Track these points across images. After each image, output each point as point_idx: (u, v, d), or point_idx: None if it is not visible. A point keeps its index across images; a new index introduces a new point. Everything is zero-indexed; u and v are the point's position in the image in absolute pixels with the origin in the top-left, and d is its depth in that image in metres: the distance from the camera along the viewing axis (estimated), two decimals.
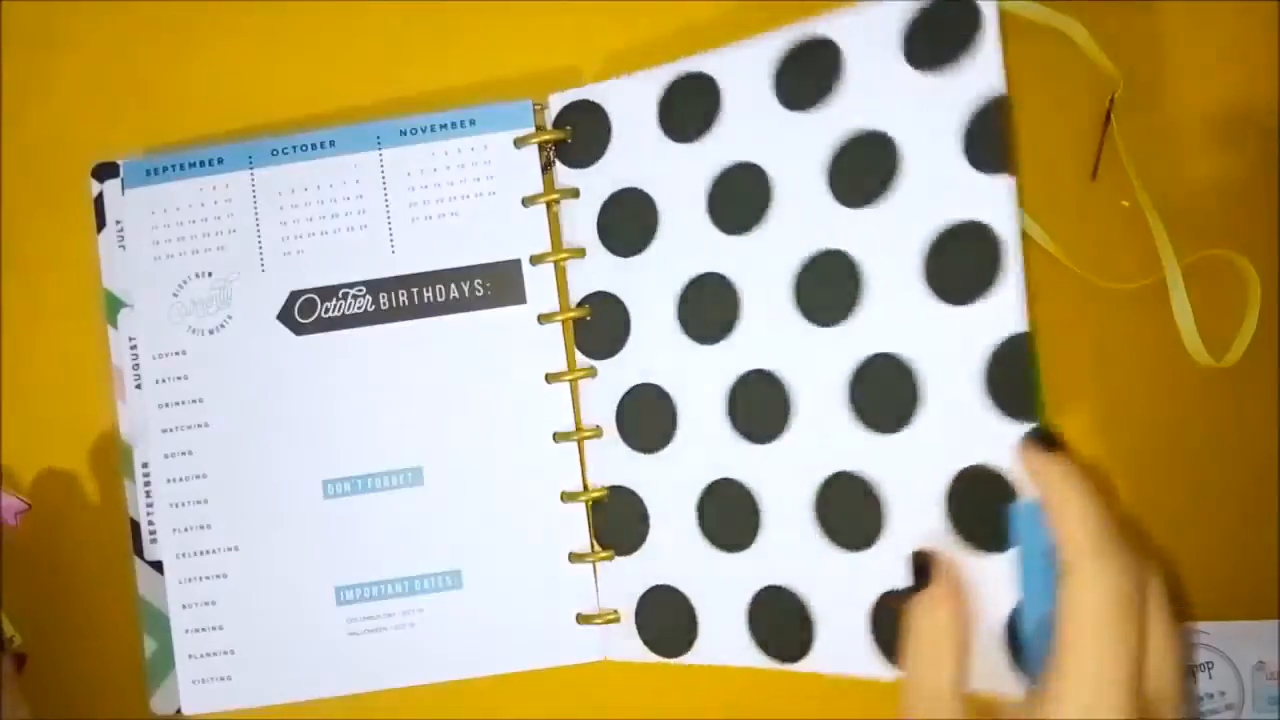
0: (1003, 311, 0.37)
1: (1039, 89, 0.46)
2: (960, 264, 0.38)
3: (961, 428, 0.38)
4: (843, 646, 0.41)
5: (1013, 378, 0.37)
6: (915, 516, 0.39)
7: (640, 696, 0.46)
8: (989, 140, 0.37)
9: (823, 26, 0.41)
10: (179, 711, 0.45)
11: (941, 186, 0.38)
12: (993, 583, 0.36)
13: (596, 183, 0.46)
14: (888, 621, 0.39)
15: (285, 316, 0.46)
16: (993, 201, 0.37)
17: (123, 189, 0.46)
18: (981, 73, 0.37)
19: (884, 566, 0.39)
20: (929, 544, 0.38)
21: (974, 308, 0.37)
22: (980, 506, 0.37)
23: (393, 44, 0.48)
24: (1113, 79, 0.46)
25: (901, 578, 0.38)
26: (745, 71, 0.42)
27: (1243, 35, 0.47)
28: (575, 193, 0.46)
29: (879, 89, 0.39)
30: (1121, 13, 0.47)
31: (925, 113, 0.38)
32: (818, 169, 0.41)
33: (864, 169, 0.40)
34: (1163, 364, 0.46)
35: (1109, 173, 0.46)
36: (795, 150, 0.41)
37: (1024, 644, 0.35)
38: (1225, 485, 0.45)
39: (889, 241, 0.39)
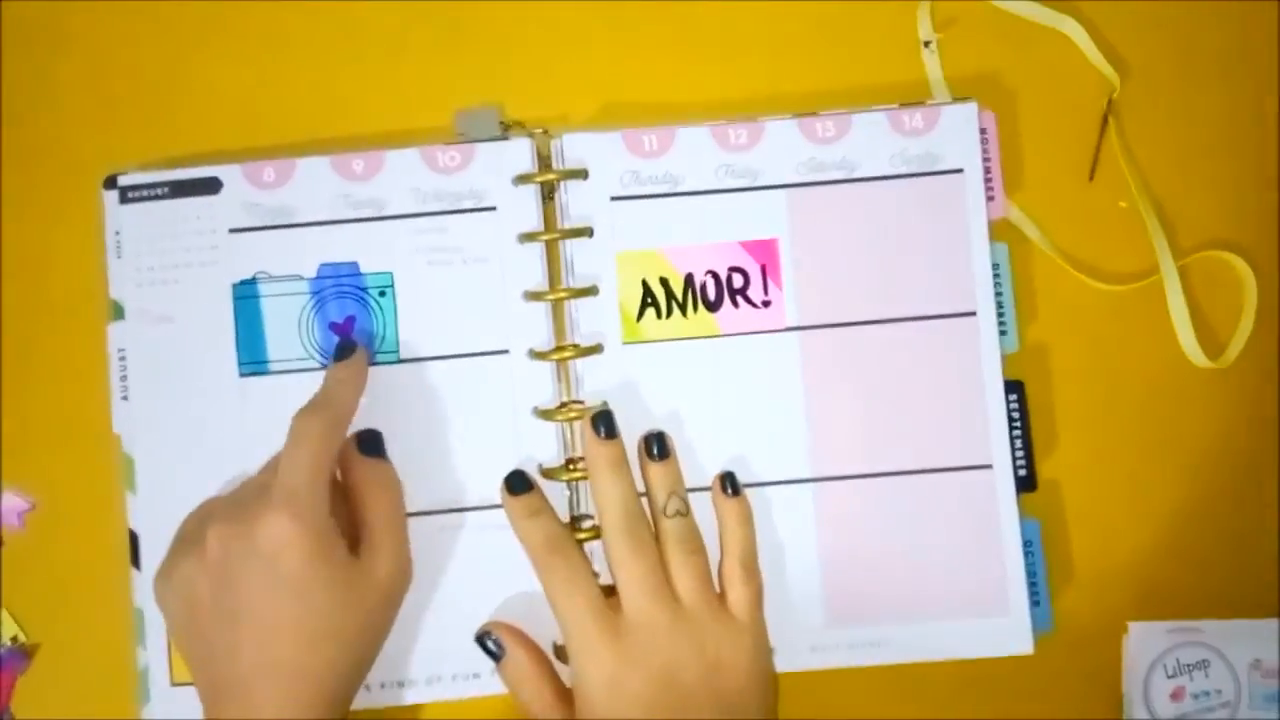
0: None
1: (1039, 89, 0.46)
2: None
3: None
4: None
5: None
6: None
7: None
8: None
9: None
10: None
11: None
12: None
13: None
14: None
15: None
16: None
17: (121, 200, 0.45)
18: None
19: None
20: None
21: None
22: None
23: (398, 53, 0.47)
24: (1112, 79, 0.46)
25: None
26: None
27: (1243, 35, 0.47)
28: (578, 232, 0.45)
29: None
30: (1121, 13, 0.47)
31: None
32: None
33: None
34: (1160, 364, 0.46)
35: (1107, 173, 0.46)
36: None
37: None
38: (1224, 485, 0.46)
39: None
